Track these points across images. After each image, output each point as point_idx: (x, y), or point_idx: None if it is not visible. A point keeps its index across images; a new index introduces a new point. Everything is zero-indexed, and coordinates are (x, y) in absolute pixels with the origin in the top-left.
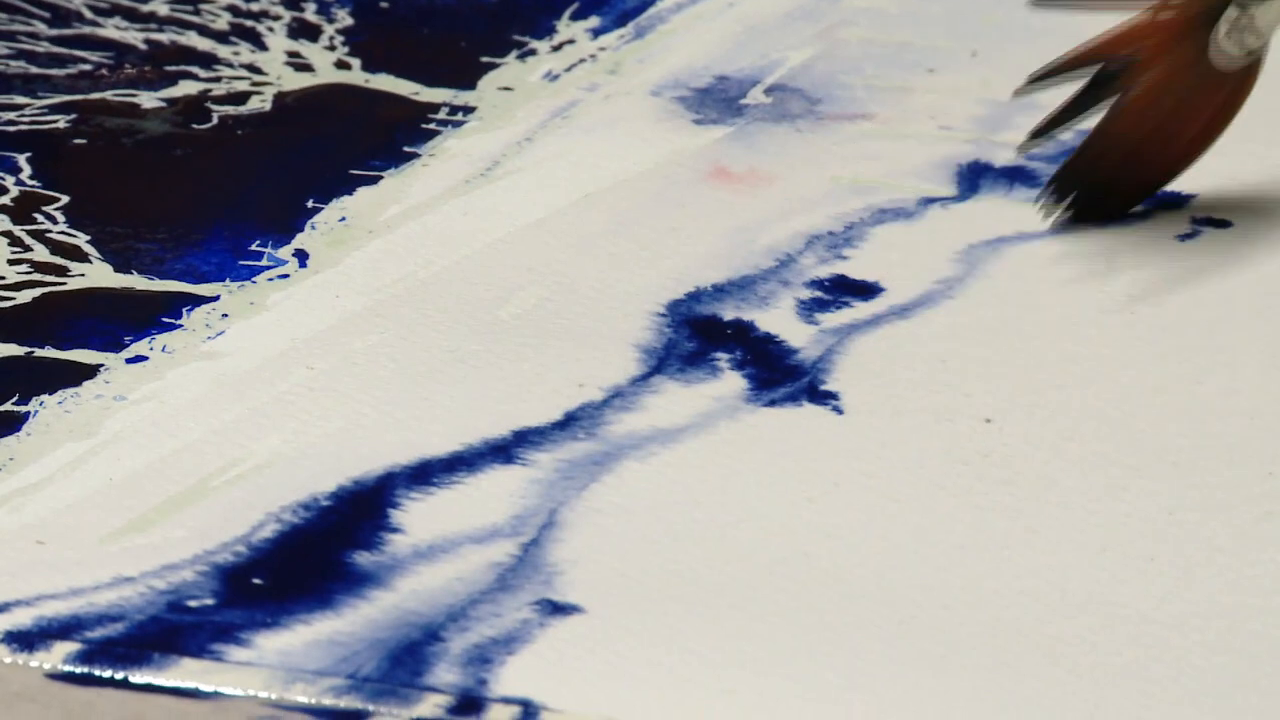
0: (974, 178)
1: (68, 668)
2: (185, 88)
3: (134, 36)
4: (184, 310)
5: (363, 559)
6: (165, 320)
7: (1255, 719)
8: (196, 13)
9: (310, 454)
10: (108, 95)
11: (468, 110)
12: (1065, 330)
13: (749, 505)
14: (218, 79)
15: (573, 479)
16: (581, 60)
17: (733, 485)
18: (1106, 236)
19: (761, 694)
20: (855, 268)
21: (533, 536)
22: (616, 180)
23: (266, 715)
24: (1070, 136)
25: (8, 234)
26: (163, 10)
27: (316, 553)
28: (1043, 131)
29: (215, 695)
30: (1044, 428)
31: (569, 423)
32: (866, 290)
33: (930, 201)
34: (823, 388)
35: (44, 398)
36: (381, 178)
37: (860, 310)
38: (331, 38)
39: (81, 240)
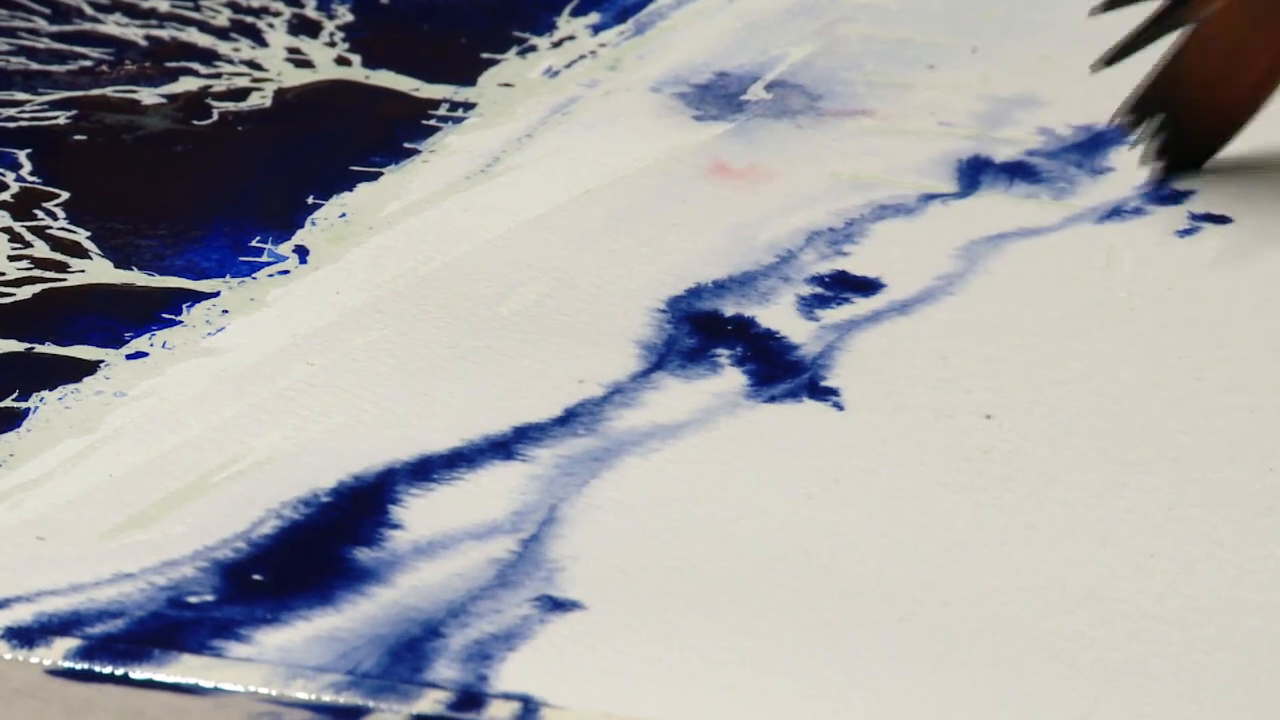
0: (974, 174)
1: (68, 664)
2: (186, 84)
3: (134, 33)
4: (184, 306)
5: (363, 555)
6: (165, 316)
7: (1255, 714)
8: (197, 9)
9: (310, 450)
10: (108, 91)
11: (468, 106)
12: (1065, 326)
13: (749, 501)
14: (218, 75)
15: (573, 475)
16: (582, 56)
17: (733, 481)
18: (1106, 233)
19: (761, 690)
20: (856, 264)
21: (533, 532)
22: (617, 176)
23: (267, 711)
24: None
25: (8, 230)
26: (163, 6)
27: (317, 549)
28: (1115, 58)
29: (215, 691)
30: (1044, 424)
31: (569, 419)
32: (867, 286)
33: (931, 197)
34: (823, 384)
35: (44, 394)
36: (382, 174)
37: (861, 306)
38: (332, 34)
39: (82, 236)
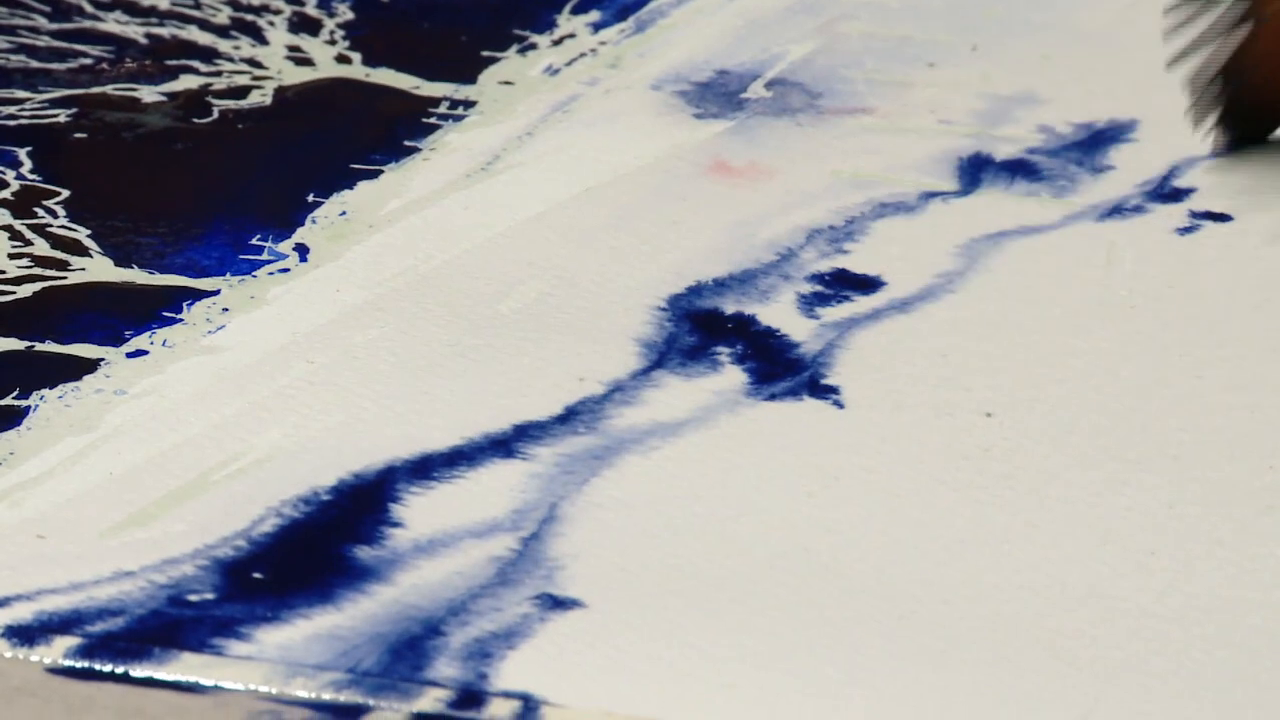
0: (975, 172)
1: (68, 662)
2: (186, 82)
3: (135, 31)
4: (184, 304)
5: (363, 553)
6: (166, 314)
7: (1255, 712)
8: (197, 7)
9: (310, 448)
10: (108, 90)
11: (468, 104)
12: (1066, 324)
13: (749, 499)
14: (218, 73)
15: (573, 473)
16: (582, 55)
17: (733, 479)
18: (1107, 231)
19: (761, 688)
20: (856, 262)
21: (533, 531)
22: (617, 174)
23: (267, 709)
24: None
25: (8, 228)
26: (163, 4)
27: (317, 547)
28: (1187, 54)
29: (215, 690)
30: (1044, 422)
31: (569, 417)
32: (867, 284)
33: (931, 195)
34: (823, 382)
35: (44, 392)
36: (382, 172)
37: (861, 304)
38: (332, 32)
39: (82, 234)
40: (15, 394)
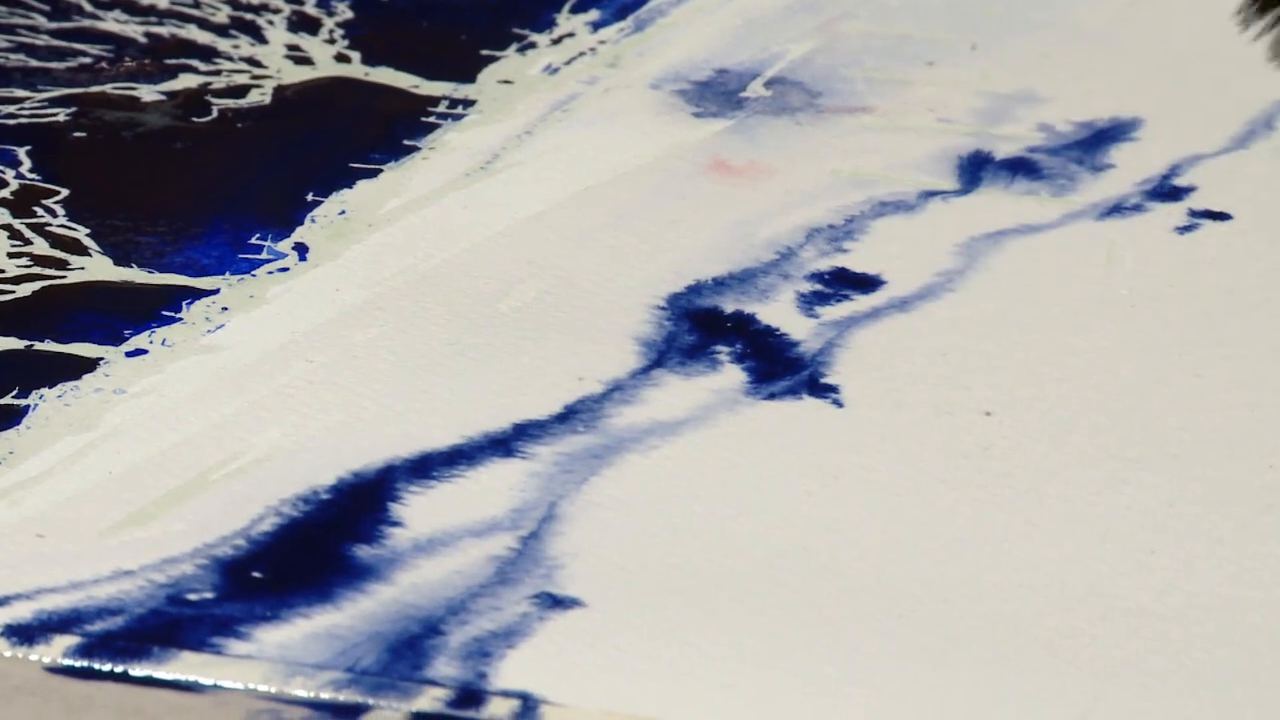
0: (974, 170)
1: (67, 661)
2: (185, 81)
3: (134, 30)
4: (184, 303)
5: (362, 552)
6: (165, 314)
7: (1255, 711)
8: (196, 6)
9: (310, 447)
10: (107, 88)
11: (467, 103)
12: (1065, 323)
13: (749, 498)
14: (217, 72)
15: (572, 472)
16: (581, 54)
17: (732, 478)
18: (1106, 229)
19: (761, 687)
20: (855, 261)
21: (532, 530)
22: (616, 173)
23: (266, 709)
24: None
25: (7, 227)
26: (162, 3)
27: (316, 546)
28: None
29: (215, 689)
30: (1044, 421)
31: (568, 416)
32: (867, 283)
33: (931, 194)
34: (823, 381)
35: (44, 391)
36: (381, 171)
37: (860, 303)
38: (331, 31)
39: (81, 233)
40: (14, 393)
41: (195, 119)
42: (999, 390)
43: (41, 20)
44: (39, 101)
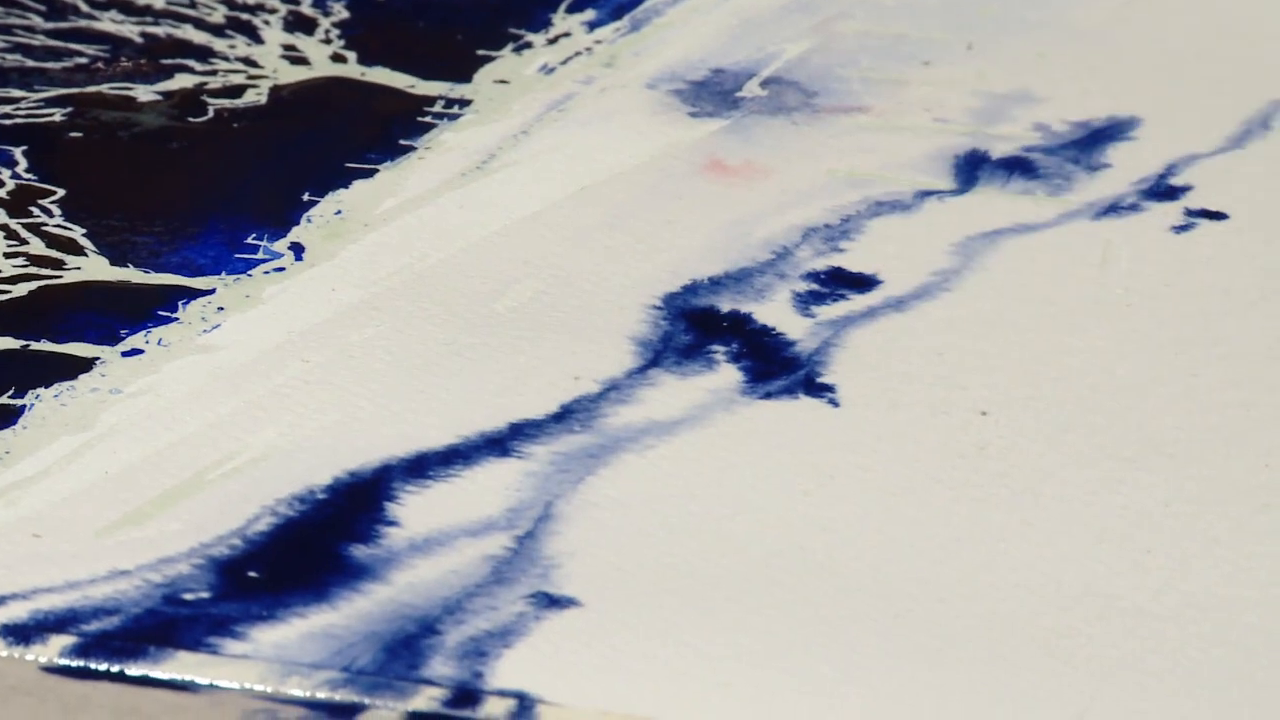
0: (971, 170)
1: (63, 661)
2: (181, 81)
3: (130, 30)
4: (180, 303)
5: (359, 552)
6: (161, 313)
7: (1251, 710)
8: (192, 6)
9: (306, 447)
10: (104, 88)
11: (463, 103)
12: (1061, 323)
13: (745, 498)
14: (214, 72)
15: (568, 472)
16: (577, 53)
17: (728, 478)
18: (1102, 229)
19: (757, 687)
20: (852, 260)
21: (528, 529)
22: (612, 173)
23: (262, 708)
24: None
25: (4, 227)
26: (159, 3)
27: (312, 546)
28: None
29: (210, 688)
30: (1040, 420)
31: (565, 415)
32: (863, 283)
33: (927, 194)
34: (819, 380)
35: (40, 391)
36: (377, 171)
37: (856, 303)
38: (327, 31)
39: (77, 233)
40: (11, 393)
41: (191, 119)
42: (995, 390)
43: (38, 20)
44: (35, 101)
